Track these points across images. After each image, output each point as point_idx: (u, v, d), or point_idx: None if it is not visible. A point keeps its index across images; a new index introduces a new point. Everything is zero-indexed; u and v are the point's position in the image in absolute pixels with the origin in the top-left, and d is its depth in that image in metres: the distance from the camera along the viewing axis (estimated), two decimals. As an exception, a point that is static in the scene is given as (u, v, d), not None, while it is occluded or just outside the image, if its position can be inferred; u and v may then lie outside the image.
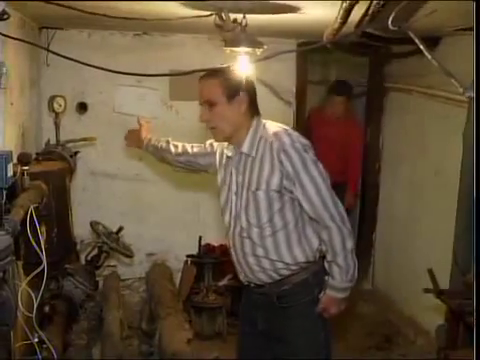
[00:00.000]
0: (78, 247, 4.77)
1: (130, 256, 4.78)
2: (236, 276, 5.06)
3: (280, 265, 2.54)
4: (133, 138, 3.39)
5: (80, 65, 2.65)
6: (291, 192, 2.47)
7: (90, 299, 4.50)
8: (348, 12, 2.17)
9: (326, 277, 2.57)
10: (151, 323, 4.41)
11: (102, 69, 2.63)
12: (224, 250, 5.20)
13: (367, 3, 2.06)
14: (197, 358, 3.60)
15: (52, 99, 4.36)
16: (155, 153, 3.28)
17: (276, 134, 2.49)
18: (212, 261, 4.90)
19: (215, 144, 2.83)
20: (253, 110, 2.60)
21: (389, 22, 1.66)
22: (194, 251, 5.02)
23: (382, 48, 4.97)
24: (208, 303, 4.68)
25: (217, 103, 2.52)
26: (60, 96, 4.39)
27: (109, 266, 5.12)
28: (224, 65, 2.61)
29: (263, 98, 5.19)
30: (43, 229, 2.85)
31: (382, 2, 1.86)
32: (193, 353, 3.54)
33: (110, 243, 4.49)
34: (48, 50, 4.25)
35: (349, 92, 5.61)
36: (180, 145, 3.13)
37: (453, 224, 3.90)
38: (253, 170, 2.52)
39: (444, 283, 3.79)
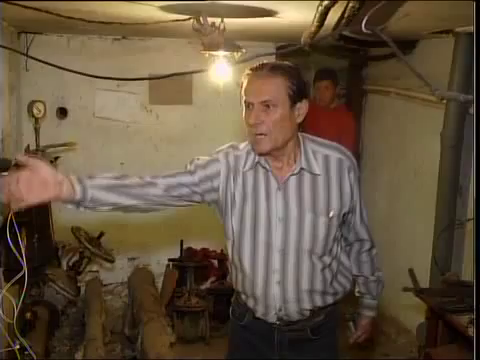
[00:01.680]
0: (59, 253, 4.75)
1: (112, 261, 4.77)
2: (218, 280, 5.15)
3: (329, 298, 2.28)
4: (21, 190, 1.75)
5: (60, 70, 2.65)
6: (348, 213, 2.24)
7: (72, 305, 4.49)
8: (324, 15, 2.19)
9: (364, 300, 2.48)
10: (133, 328, 4.39)
11: (82, 74, 2.64)
12: (206, 254, 5.22)
13: (343, 7, 2.09)
14: (181, 361, 3.60)
15: (32, 104, 4.34)
16: (103, 199, 2.05)
17: (339, 149, 2.20)
18: (194, 265, 4.90)
19: (216, 165, 2.20)
20: (304, 120, 2.16)
21: (362, 25, 1.68)
22: (176, 255, 5.01)
23: (360, 51, 5.02)
24: (190, 307, 4.67)
25: (278, 105, 2.06)
26: (40, 101, 4.37)
27: (91, 271, 5.10)
28: (285, 62, 2.15)
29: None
30: (23, 235, 2.84)
31: (357, 6, 1.89)
32: (176, 357, 3.54)
33: (91, 248, 4.48)
34: (27, 55, 4.23)
35: (333, 76, 5.58)
36: (138, 177, 2.13)
37: (432, 224, 3.96)
38: (317, 191, 2.15)
39: (424, 282, 3.84)
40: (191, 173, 2.19)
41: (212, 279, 5.21)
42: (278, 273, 2.18)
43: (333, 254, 2.23)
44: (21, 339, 2.80)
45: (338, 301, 2.32)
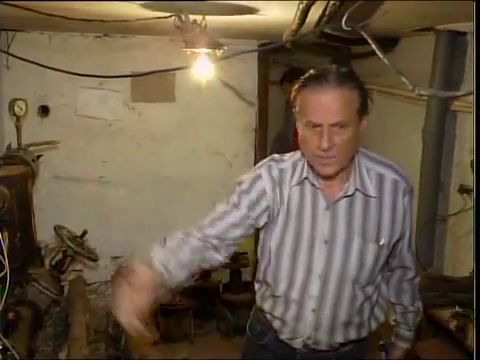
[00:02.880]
0: (42, 252, 4.71)
1: (95, 260, 4.74)
2: (202, 278, 5.15)
3: (364, 331, 2.11)
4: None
5: (41, 68, 2.63)
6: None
7: (55, 304, 4.45)
8: (305, 13, 2.20)
9: (400, 330, 2.29)
10: (118, 327, 4.37)
11: (64, 72, 2.61)
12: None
13: (324, 4, 2.09)
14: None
15: (13, 102, 4.30)
16: (183, 277, 1.98)
17: (395, 169, 1.97)
18: (178, 263, 4.89)
19: (260, 184, 1.97)
20: None
21: (342, 22, 1.69)
22: (160, 253, 4.99)
23: (343, 49, 5.04)
24: (174, 305, 4.67)
25: (350, 125, 1.78)
26: (21, 99, 4.33)
27: (74, 270, 5.07)
28: (334, 66, 1.84)
29: (226, 99, 5.30)
30: (5, 234, 2.82)
31: (338, 3, 1.90)
32: (160, 356, 3.54)
33: (75, 247, 4.45)
34: (8, 53, 4.20)
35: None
36: (197, 238, 1.99)
37: (414, 220, 3.99)
38: (368, 214, 1.92)
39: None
40: (237, 206, 1.97)
41: (196, 277, 5.20)
42: (315, 300, 1.99)
43: (375, 284, 2.05)
44: (4, 339, 2.78)
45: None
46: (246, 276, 5.28)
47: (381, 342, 2.42)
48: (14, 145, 4.29)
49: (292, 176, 1.96)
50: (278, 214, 1.96)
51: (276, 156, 2.03)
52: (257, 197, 1.96)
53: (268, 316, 2.14)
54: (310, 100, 1.77)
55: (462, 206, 3.66)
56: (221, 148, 5.35)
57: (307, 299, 1.99)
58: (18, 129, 4.35)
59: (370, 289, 2.03)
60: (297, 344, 2.08)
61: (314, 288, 1.98)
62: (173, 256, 1.94)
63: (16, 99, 4.32)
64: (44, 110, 4.98)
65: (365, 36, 1.62)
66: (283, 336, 2.11)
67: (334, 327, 2.02)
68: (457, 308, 2.93)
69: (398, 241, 2.03)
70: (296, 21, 2.38)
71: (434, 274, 3.56)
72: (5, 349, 2.80)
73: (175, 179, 5.29)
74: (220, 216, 1.98)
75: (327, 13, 2.09)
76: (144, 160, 5.26)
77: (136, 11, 3.10)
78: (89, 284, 5.18)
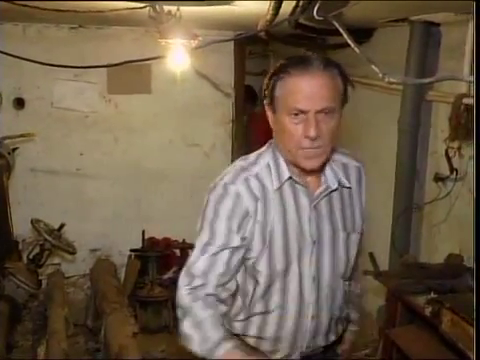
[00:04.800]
0: (19, 246, 4.69)
1: (73, 253, 4.73)
2: (180, 269, 5.15)
3: (344, 322, 2.05)
4: None
5: (15, 60, 2.61)
6: None
7: (34, 298, 4.44)
8: (279, 3, 2.21)
9: (353, 315, 2.14)
10: (96, 319, 4.37)
11: (39, 63, 2.60)
12: (167, 243, 5.22)
13: (298, -5, 2.11)
14: (145, 357, 3.59)
15: (-13, 95, 4.26)
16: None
17: (351, 156, 1.95)
18: (156, 255, 4.90)
19: (241, 204, 1.75)
20: None
21: (314, 12, 1.70)
22: (137, 245, 5.00)
23: (318, 39, 5.05)
24: (153, 297, 4.67)
25: (336, 111, 1.70)
26: (-5, 92, 4.29)
27: (52, 264, 5.05)
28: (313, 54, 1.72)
29: (203, 91, 5.28)
30: (-19, 229, 2.80)
31: (311, -7, 1.91)
32: (139, 347, 3.54)
33: (52, 240, 4.43)
34: (-20, 45, 4.14)
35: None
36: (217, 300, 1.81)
37: (391, 209, 4.03)
38: (344, 205, 1.87)
39: (384, 265, 3.91)
40: (227, 246, 1.77)
41: (174, 269, 5.19)
42: (312, 306, 1.84)
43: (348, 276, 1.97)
44: (-19, 334, 2.77)
45: None
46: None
47: None
48: (-11, 138, 4.26)
49: (272, 180, 1.78)
50: (265, 229, 1.77)
51: (242, 163, 1.83)
52: (242, 222, 1.75)
53: (251, 341, 1.90)
54: (295, 86, 1.65)
55: (437, 194, 3.71)
56: (198, 139, 5.34)
57: (304, 308, 1.84)
58: (-7, 122, 4.31)
59: (347, 281, 1.97)
60: (294, 357, 1.90)
61: (309, 294, 1.83)
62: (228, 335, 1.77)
63: (-10, 92, 4.28)
64: (19, 102, 4.94)
65: (336, 25, 1.63)
66: (276, 356, 1.90)
67: (331, 327, 1.93)
68: (432, 294, 2.97)
69: None
70: (270, 11, 2.39)
71: (410, 261, 3.61)
72: (-17, 343, 2.78)
73: (152, 171, 5.27)
74: (214, 264, 1.76)
75: (301, 3, 2.10)
76: (121, 152, 5.24)
77: (110, 2, 3.08)
78: (67, 277, 5.16)
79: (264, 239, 1.77)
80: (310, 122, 1.64)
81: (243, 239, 1.76)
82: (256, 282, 1.82)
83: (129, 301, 4.48)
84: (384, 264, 3.93)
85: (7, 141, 4.36)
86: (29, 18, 4.53)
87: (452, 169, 3.49)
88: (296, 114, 1.66)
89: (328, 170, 1.83)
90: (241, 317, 1.88)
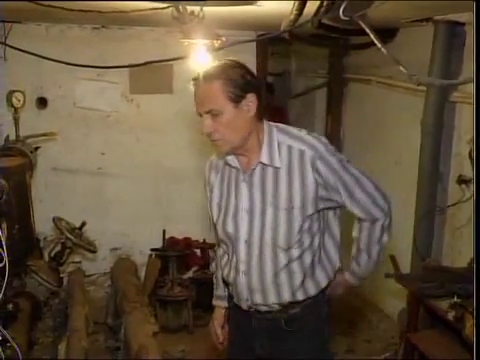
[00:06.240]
0: (41, 244, 4.72)
1: (94, 251, 4.75)
2: (200, 269, 5.16)
3: (300, 291, 2.24)
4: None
5: (39, 59, 2.62)
6: (329, 200, 2.19)
7: (54, 296, 4.46)
8: (303, 3, 2.19)
9: (353, 264, 2.38)
10: (116, 318, 4.39)
11: (61, 62, 2.60)
12: (188, 243, 5.22)
13: (322, -6, 2.09)
14: (165, 357, 3.59)
15: (11, 94, 4.29)
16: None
17: (303, 140, 2.15)
18: (176, 254, 4.90)
19: (206, 172, 2.41)
20: (261, 111, 2.16)
21: (340, 12, 1.68)
22: (158, 245, 5.01)
23: (341, 40, 5.02)
24: (173, 296, 4.68)
25: (223, 112, 2.09)
26: (19, 91, 4.32)
27: (73, 262, 5.08)
28: (223, 61, 2.15)
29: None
30: (4, 226, 2.82)
31: (336, -7, 1.89)
32: (159, 346, 3.55)
33: (73, 239, 4.46)
34: (5, 44, 4.18)
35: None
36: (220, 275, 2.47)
37: (413, 211, 3.99)
38: (279, 184, 2.15)
39: (406, 268, 3.88)
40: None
41: (195, 268, 5.21)
42: (244, 263, 2.24)
43: (304, 246, 2.19)
44: (3, 331, 2.78)
45: (315, 296, 2.26)
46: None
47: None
48: (12, 137, 4.29)
49: (221, 160, 2.29)
50: (213, 193, 2.32)
51: None
52: (208, 183, 2.38)
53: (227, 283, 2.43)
54: (194, 94, 2.14)
55: (460, 197, 3.66)
56: (219, 139, 5.34)
57: (239, 263, 2.25)
58: (16, 121, 4.34)
59: (295, 252, 2.19)
60: (243, 306, 2.31)
61: (242, 253, 2.23)
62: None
63: (14, 91, 4.31)
64: (42, 102, 4.98)
65: (363, 25, 1.62)
66: (235, 299, 2.35)
67: (264, 287, 2.23)
68: (455, 298, 2.93)
69: (331, 200, 2.19)
70: (294, 11, 2.37)
71: (432, 265, 3.57)
72: (4, 340, 2.79)
73: (173, 170, 5.28)
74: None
75: (325, 3, 2.09)
76: (142, 151, 5.26)
77: (133, 2, 3.09)
78: (88, 275, 5.18)
79: (213, 198, 2.33)
80: (203, 121, 2.12)
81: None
82: (215, 233, 2.37)
83: (149, 300, 4.49)
84: (406, 267, 3.90)
85: (29, 140, 4.39)
86: (52, 18, 4.57)
87: (476, 171, 3.44)
88: (199, 115, 2.14)
89: (264, 150, 2.16)
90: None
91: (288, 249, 2.18)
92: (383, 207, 2.27)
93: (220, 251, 2.43)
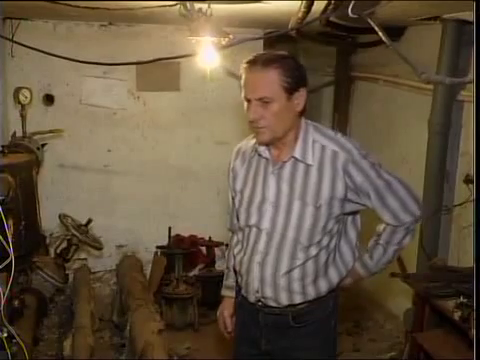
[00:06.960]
0: (47, 240, 4.73)
1: (100, 248, 4.76)
2: (206, 266, 5.16)
3: (310, 288, 2.24)
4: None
5: (46, 56, 2.61)
6: (357, 204, 2.21)
7: (60, 292, 4.48)
8: (311, 1, 2.18)
9: (366, 255, 2.35)
10: (122, 315, 4.40)
11: (69, 59, 2.59)
12: (194, 241, 5.22)
13: (330, -8, 2.08)
14: (170, 354, 3.59)
15: (18, 91, 4.30)
16: None
17: (338, 142, 2.17)
18: (182, 252, 4.90)
19: (231, 160, 2.43)
20: (306, 108, 2.18)
21: (349, 10, 1.67)
22: (164, 242, 5.01)
23: (348, 38, 5.01)
24: (179, 294, 4.68)
25: (275, 100, 2.08)
26: (26, 88, 4.33)
27: (79, 259, 5.10)
28: (280, 52, 2.14)
29: (231, 88, 5.26)
30: (10, 222, 2.82)
31: (344, -9, 1.89)
32: (164, 344, 3.55)
33: (79, 236, 4.47)
34: (13, 41, 4.18)
35: None
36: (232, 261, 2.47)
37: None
38: (308, 181, 2.16)
39: (412, 268, 3.87)
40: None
41: (200, 266, 5.22)
42: (261, 254, 2.23)
43: (322, 245, 2.20)
44: (9, 327, 2.79)
45: (326, 294, 2.27)
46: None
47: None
48: (19, 133, 4.30)
49: (251, 149, 2.31)
50: (237, 182, 2.34)
51: (250, 136, 2.35)
52: (231, 172, 2.39)
53: (237, 275, 2.41)
54: (244, 79, 2.12)
55: (467, 196, 3.65)
56: (226, 137, 5.32)
57: (256, 254, 2.24)
58: (23, 117, 4.35)
59: (313, 250, 2.19)
60: (251, 298, 2.30)
61: (261, 244, 2.23)
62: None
63: (21, 87, 4.32)
64: (49, 98, 4.98)
65: (371, 23, 1.61)
66: (243, 291, 2.34)
67: (276, 281, 2.22)
68: (461, 298, 2.92)
69: (355, 202, 2.20)
70: (302, 9, 2.37)
71: (438, 264, 3.56)
72: (10, 337, 2.80)
73: (180, 168, 5.29)
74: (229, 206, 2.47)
75: (333, 1, 2.08)
76: (149, 149, 5.26)
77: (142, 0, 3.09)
78: (94, 272, 5.21)
79: (237, 187, 2.34)
80: (251, 107, 2.11)
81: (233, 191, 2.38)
82: (237, 220, 2.37)
83: (155, 298, 4.50)
84: (412, 267, 3.89)
85: (36, 137, 4.40)
86: (60, 15, 4.57)
87: (484, 171, 3.42)
88: (247, 100, 2.12)
89: (299, 146, 2.17)
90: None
91: (308, 246, 2.18)
92: (414, 212, 2.25)
93: (234, 239, 2.43)
